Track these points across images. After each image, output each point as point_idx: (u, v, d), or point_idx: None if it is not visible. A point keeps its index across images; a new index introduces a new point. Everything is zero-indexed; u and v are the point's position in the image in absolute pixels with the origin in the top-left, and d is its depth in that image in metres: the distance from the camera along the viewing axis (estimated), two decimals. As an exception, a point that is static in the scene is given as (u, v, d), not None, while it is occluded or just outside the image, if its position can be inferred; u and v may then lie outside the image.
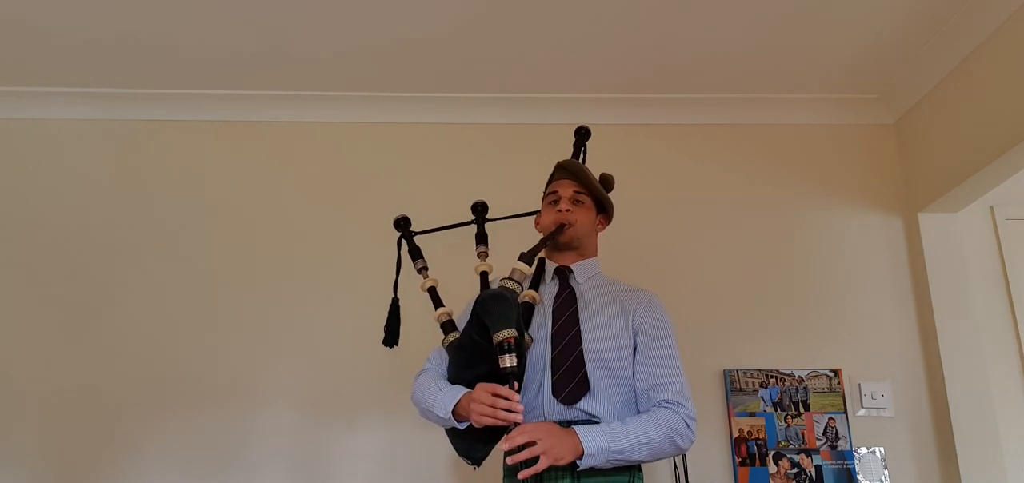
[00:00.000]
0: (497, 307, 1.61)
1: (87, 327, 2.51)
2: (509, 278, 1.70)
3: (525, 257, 1.73)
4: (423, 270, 2.01)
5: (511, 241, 2.03)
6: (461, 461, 1.78)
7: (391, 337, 2.00)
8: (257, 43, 2.43)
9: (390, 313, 2.01)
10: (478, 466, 1.76)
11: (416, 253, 2.03)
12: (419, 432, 2.34)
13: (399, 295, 2.02)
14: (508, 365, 1.56)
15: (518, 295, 1.70)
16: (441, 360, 1.86)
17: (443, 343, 1.88)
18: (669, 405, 1.66)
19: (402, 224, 2.05)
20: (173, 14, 2.28)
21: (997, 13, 2.23)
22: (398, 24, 2.35)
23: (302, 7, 2.26)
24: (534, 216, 2.04)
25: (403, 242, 2.05)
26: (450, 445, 1.83)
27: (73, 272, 2.57)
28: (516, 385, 1.58)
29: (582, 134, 2.08)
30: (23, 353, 2.48)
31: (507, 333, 1.57)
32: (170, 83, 2.66)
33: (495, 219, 2.07)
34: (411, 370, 1.90)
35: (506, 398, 1.54)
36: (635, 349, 1.75)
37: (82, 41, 2.39)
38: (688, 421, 1.65)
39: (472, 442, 1.71)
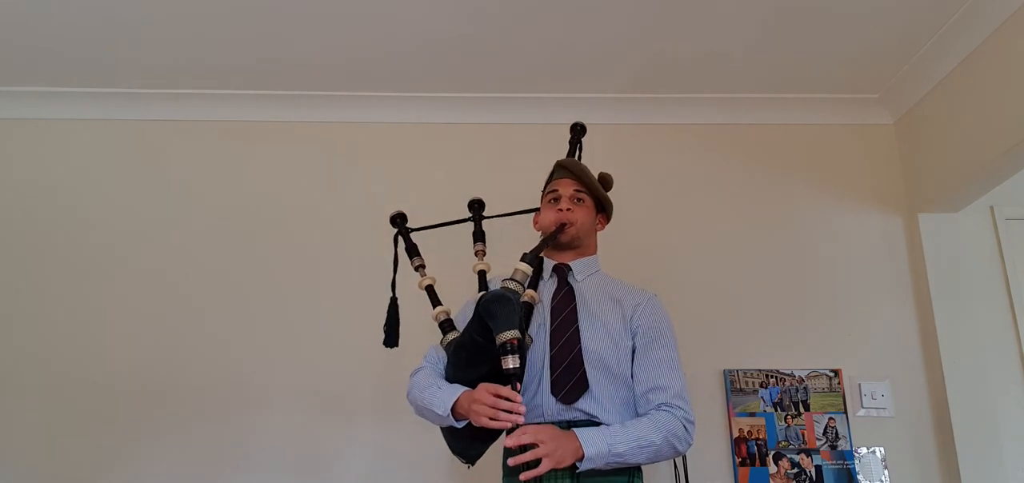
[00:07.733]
0: (500, 309, 1.60)
1: (87, 327, 2.51)
2: (511, 278, 1.68)
3: (527, 257, 1.70)
4: (420, 268, 1.98)
5: (510, 240, 2.03)
6: (457, 460, 1.78)
7: (391, 338, 1.96)
8: (258, 44, 2.43)
9: (389, 313, 1.98)
10: (472, 465, 1.76)
11: (413, 250, 1.99)
12: (417, 432, 2.34)
13: (396, 293, 1.99)
14: (511, 366, 1.56)
15: (520, 296, 1.69)
16: (438, 357, 1.84)
17: (442, 342, 1.86)
18: (668, 408, 1.65)
19: (398, 220, 2.02)
20: (175, 16, 2.28)
21: (997, 14, 2.23)
22: (398, 25, 2.35)
23: (303, 9, 2.26)
24: (532, 214, 2.03)
25: (399, 239, 2.02)
26: (445, 444, 1.82)
27: (73, 272, 2.57)
28: (518, 386, 1.57)
29: (578, 130, 2.07)
30: (23, 353, 2.48)
31: (510, 334, 1.57)
32: (169, 84, 2.66)
33: (492, 217, 2.05)
34: (409, 369, 1.89)
35: (508, 399, 1.54)
36: (633, 350, 1.74)
37: (85, 42, 2.40)
38: (686, 424, 1.65)
39: (470, 441, 1.71)
